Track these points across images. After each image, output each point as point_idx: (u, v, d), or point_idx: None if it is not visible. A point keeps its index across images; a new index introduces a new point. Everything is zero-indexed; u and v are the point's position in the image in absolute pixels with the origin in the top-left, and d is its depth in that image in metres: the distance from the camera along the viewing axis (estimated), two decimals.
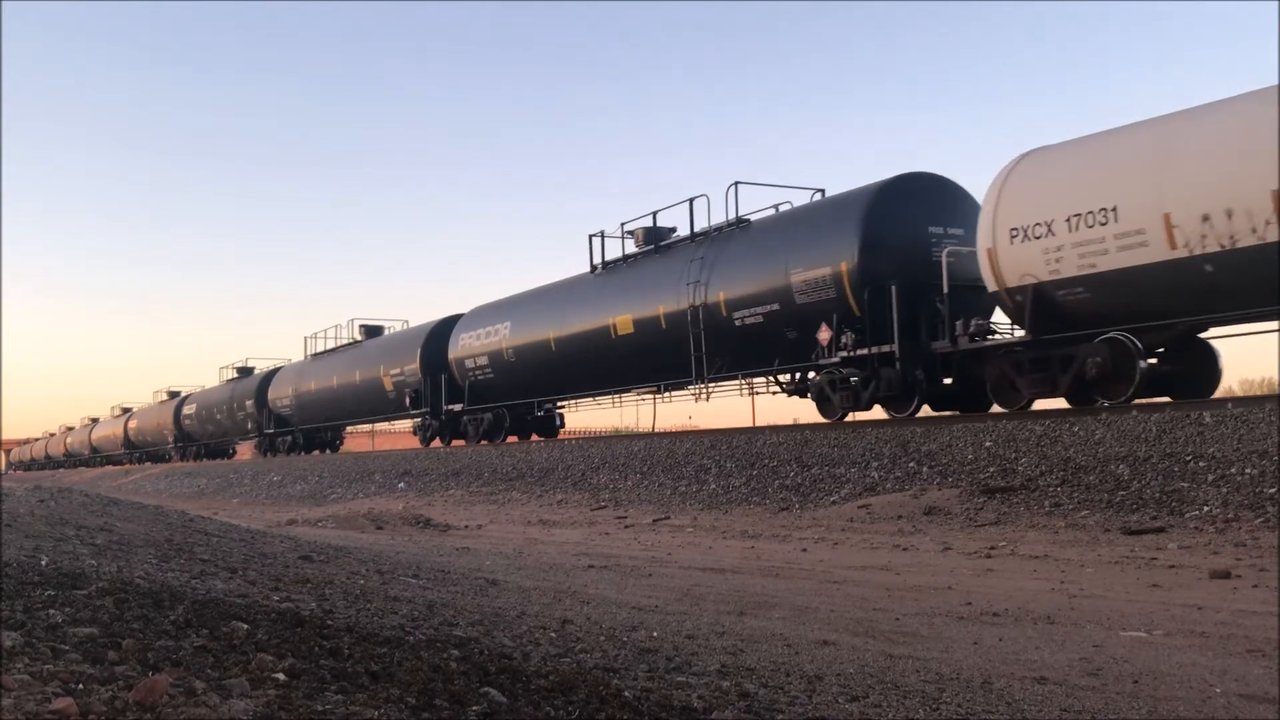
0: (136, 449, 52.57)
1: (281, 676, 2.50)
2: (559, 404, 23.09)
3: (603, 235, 20.01)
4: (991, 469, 10.45)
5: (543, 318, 20.61)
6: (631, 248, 19.25)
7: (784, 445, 13.51)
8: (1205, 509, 8.17)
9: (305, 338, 33.94)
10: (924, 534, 8.99)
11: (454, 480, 18.42)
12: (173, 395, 49.38)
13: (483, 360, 22.28)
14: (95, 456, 60.79)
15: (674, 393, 18.63)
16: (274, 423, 34.34)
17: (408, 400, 25.53)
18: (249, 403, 36.25)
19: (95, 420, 65.02)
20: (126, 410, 57.86)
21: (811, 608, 5.38)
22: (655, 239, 18.66)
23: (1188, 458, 9.04)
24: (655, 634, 4.49)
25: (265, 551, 6.97)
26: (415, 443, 27.31)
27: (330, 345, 32.09)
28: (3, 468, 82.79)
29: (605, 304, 18.69)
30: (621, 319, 18.01)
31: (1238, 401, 10.39)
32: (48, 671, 2.24)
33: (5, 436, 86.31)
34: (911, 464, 11.39)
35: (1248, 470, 8.45)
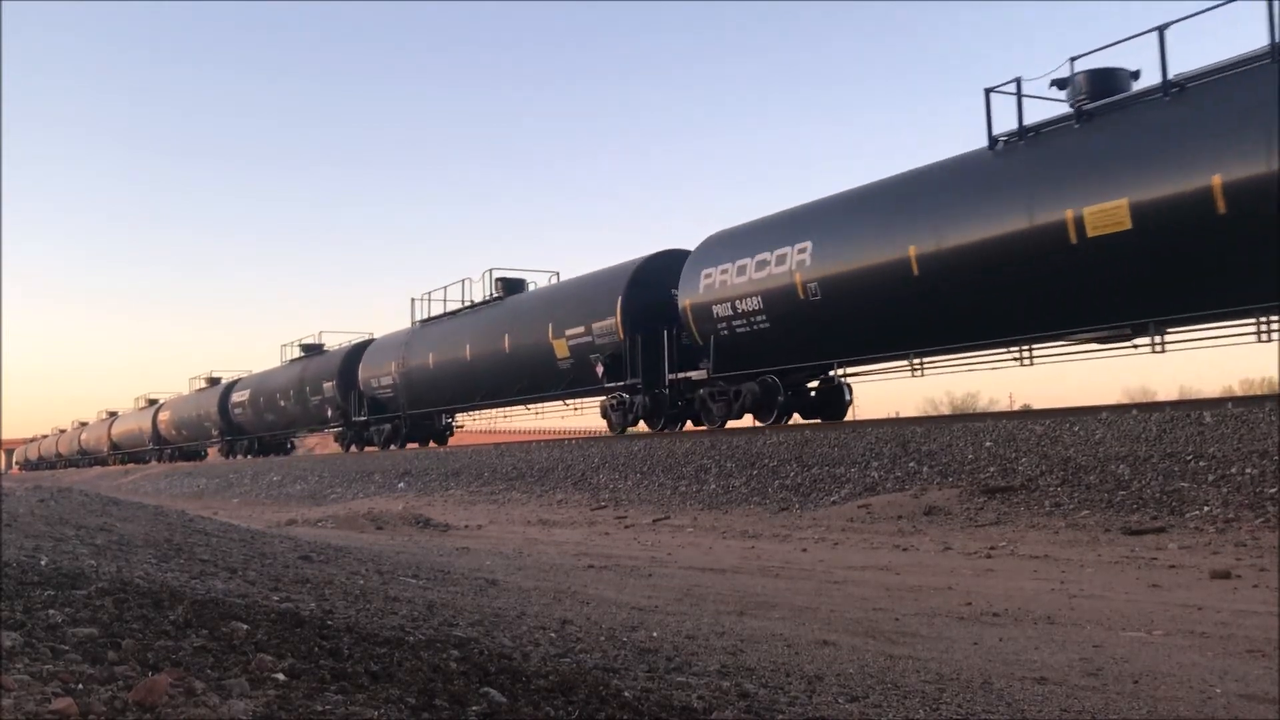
0: (168, 445, 45.67)
1: (281, 676, 2.49)
2: (845, 367, 15.42)
3: (1019, 86, 12.41)
4: (991, 469, 10.45)
5: (886, 228, 13.35)
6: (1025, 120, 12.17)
7: (784, 445, 13.50)
8: (1205, 509, 8.17)
9: (413, 299, 25.80)
10: (924, 534, 8.99)
11: (454, 480, 18.42)
12: (213, 382, 42.59)
13: (751, 303, 15.27)
14: (116, 454, 53.34)
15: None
16: (368, 408, 27.16)
17: (600, 369, 18.22)
18: (328, 385, 29.35)
19: (114, 414, 57.03)
20: (154, 402, 49.92)
21: (811, 608, 5.38)
22: (1109, 86, 11.70)
23: (1188, 458, 9.04)
24: (655, 634, 4.49)
25: (265, 551, 6.97)
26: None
27: (452, 307, 24.62)
28: (2, 467, 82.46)
29: (1045, 191, 11.56)
30: (1100, 209, 10.83)
31: (1238, 401, 10.39)
32: (47, 671, 2.24)
33: (13, 436, 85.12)
34: (911, 464, 11.39)
35: (1248, 470, 8.45)
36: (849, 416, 16.40)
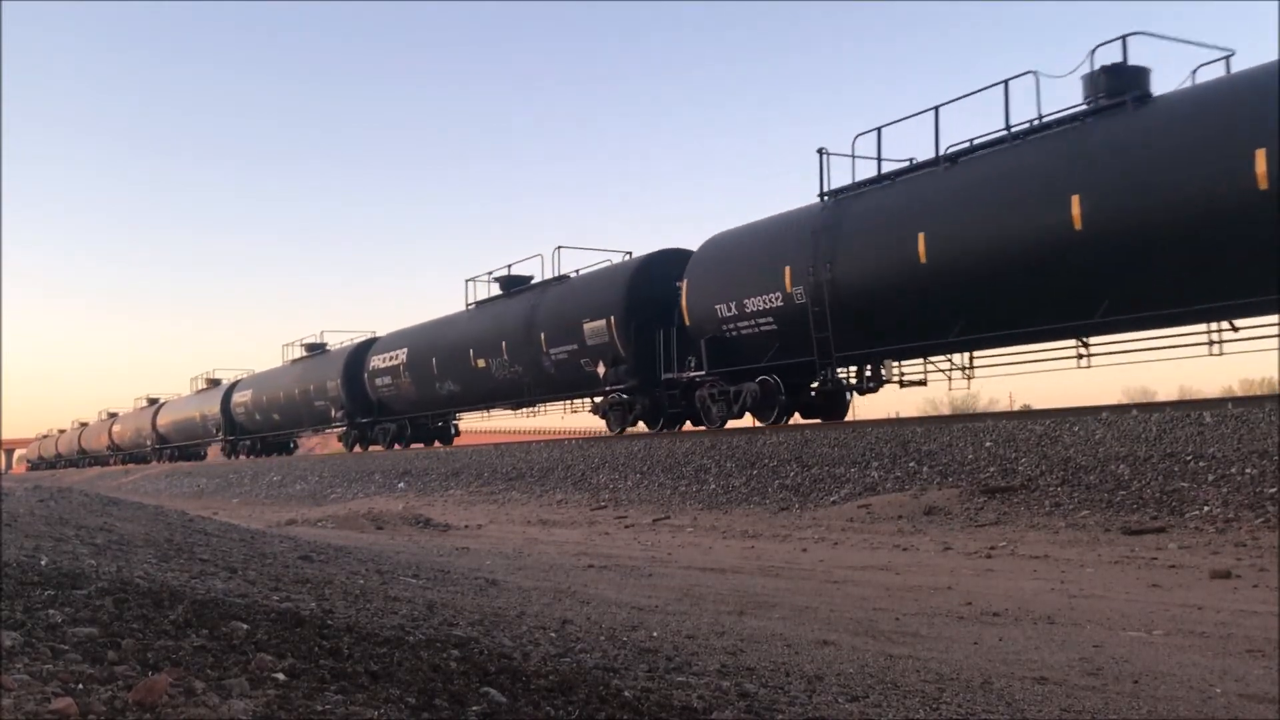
0: (245, 434, 35.25)
1: (281, 676, 2.49)
2: None
3: None
4: (991, 469, 10.45)
5: None
6: None
7: (784, 445, 13.50)
8: (1205, 509, 8.17)
9: (823, 152, 14.57)
10: (924, 534, 8.99)
11: (454, 480, 18.42)
12: (313, 349, 31.16)
13: None
14: (163, 448, 43.22)
15: None
16: (707, 358, 15.77)
17: None
18: (595, 325, 17.94)
19: (155, 402, 46.55)
20: (215, 383, 40.13)
21: (811, 608, 5.38)
22: None
23: (1188, 458, 9.04)
24: (655, 634, 4.49)
25: (265, 551, 6.97)
26: None
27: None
28: (2, 468, 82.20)
29: None
30: None
31: (1238, 401, 10.38)
32: (47, 671, 2.24)
33: (16, 436, 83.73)
34: (911, 464, 11.39)
35: (1248, 470, 8.45)
36: None
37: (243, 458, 35.08)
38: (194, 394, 41.41)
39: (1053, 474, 9.78)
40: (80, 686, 2.16)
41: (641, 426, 18.38)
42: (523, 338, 20.05)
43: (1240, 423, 9.22)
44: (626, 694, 2.95)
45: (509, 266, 22.18)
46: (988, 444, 11.01)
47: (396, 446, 26.02)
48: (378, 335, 27.82)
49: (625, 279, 18.00)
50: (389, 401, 25.67)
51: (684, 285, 16.31)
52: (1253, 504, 7.98)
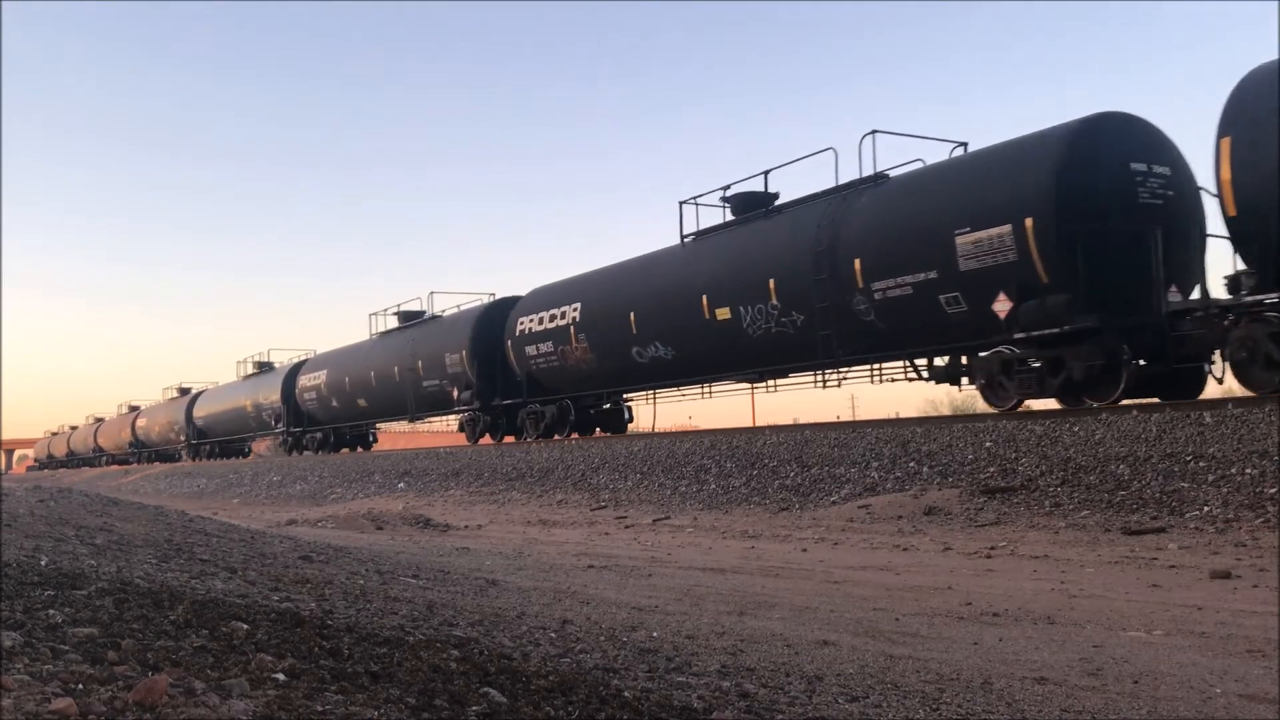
0: (316, 425, 28.00)
1: (281, 676, 2.50)
2: None
3: None
4: (991, 469, 10.45)
5: None
6: None
7: (784, 445, 13.50)
8: (1205, 509, 8.17)
9: None
10: (924, 534, 8.99)
11: (454, 480, 18.42)
12: (410, 317, 24.54)
13: None
14: (200, 444, 37.08)
15: None
16: None
17: None
18: (972, 240, 11.54)
19: (188, 392, 40.51)
20: (266, 366, 32.99)
21: (811, 608, 5.38)
22: None
23: (1188, 458, 9.04)
24: (655, 634, 4.49)
25: (265, 551, 6.97)
26: None
27: None
28: (2, 467, 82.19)
29: None
30: None
31: (1238, 401, 10.38)
32: (47, 671, 2.24)
33: (22, 435, 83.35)
34: (911, 464, 11.39)
35: (1248, 470, 8.45)
36: None
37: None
38: (241, 380, 34.66)
39: (1053, 474, 9.78)
40: (80, 686, 2.16)
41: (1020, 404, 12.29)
42: (813, 271, 13.61)
43: (1240, 423, 9.22)
44: (626, 694, 2.95)
45: (764, 174, 15.70)
46: (988, 444, 11.01)
47: (532, 439, 19.48)
48: (496, 295, 21.75)
49: (1053, 153, 11.10)
50: (545, 377, 18.98)
51: (1225, 144, 9.51)
52: (1253, 504, 7.98)
